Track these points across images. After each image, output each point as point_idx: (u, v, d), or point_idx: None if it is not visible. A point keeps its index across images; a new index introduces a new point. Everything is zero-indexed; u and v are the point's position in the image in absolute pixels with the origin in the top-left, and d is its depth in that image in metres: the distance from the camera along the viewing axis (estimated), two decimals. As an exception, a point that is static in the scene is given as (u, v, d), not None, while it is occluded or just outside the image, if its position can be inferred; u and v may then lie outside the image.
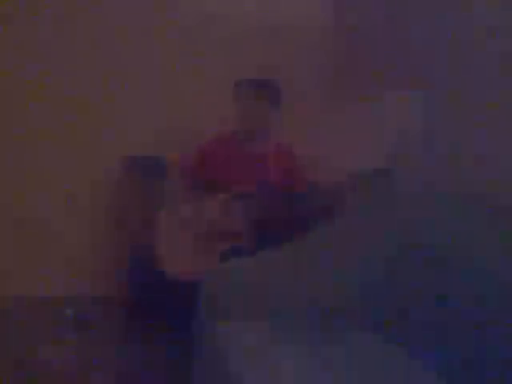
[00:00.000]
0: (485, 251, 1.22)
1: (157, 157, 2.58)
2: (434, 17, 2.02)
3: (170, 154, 2.53)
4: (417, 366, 1.23)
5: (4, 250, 2.62)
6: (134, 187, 2.56)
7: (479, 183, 1.59)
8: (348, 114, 2.54)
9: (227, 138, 2.29)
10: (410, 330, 1.36)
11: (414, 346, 1.28)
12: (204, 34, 2.75)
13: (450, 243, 1.32)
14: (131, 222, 2.54)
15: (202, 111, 2.65)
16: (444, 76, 1.93)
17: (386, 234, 1.60)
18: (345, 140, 2.48)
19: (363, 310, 1.53)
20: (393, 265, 1.50)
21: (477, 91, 1.74)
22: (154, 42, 2.69)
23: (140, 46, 2.68)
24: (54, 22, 2.58)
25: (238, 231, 2.06)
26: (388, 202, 1.71)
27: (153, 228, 2.12)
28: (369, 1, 2.59)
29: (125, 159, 2.61)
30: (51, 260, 2.66)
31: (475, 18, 1.77)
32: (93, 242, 2.72)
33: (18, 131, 2.60)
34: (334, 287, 1.60)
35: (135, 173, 2.56)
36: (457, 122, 1.83)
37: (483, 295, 1.18)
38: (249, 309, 1.53)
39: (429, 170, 1.94)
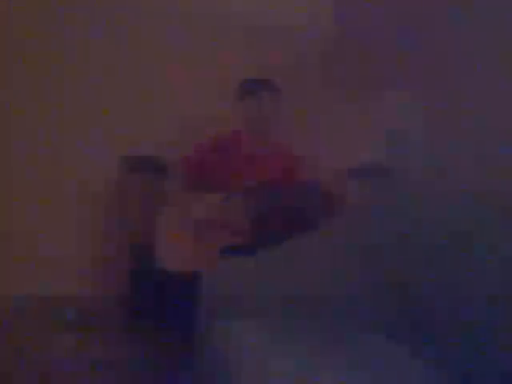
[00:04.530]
0: (489, 251, 1.22)
1: (157, 157, 2.59)
2: (433, 19, 2.02)
3: (170, 154, 2.53)
4: (418, 365, 1.24)
5: (3, 250, 2.62)
6: (134, 187, 2.56)
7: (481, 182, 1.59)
8: (347, 114, 2.55)
9: (227, 137, 2.29)
10: (410, 329, 1.36)
11: (415, 345, 1.28)
12: (204, 34, 2.75)
13: (453, 243, 1.32)
14: (131, 222, 2.54)
15: (202, 111, 2.66)
16: (443, 76, 1.93)
17: (387, 233, 1.60)
18: (344, 139, 2.48)
19: (363, 309, 1.53)
20: (394, 263, 1.50)
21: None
22: (154, 41, 2.69)
23: (140, 46, 2.69)
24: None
25: (238, 230, 2.06)
26: (388, 200, 1.71)
27: (153, 227, 2.12)
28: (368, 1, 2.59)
29: (125, 159, 2.61)
30: (50, 259, 2.66)
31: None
32: (93, 241, 2.72)
33: (17, 130, 2.61)
34: (334, 287, 1.60)
35: (135, 172, 2.56)
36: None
37: (483, 296, 1.18)
38: (249, 308, 1.53)
39: (428, 169, 1.94)
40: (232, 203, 2.11)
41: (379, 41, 2.40)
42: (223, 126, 2.32)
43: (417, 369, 1.21)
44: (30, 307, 2.48)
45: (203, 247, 2.03)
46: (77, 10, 2.61)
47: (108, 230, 2.71)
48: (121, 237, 2.62)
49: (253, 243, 1.99)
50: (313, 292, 1.59)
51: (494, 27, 1.68)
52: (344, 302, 1.55)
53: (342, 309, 1.53)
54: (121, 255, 2.55)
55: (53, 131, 2.63)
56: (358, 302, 1.55)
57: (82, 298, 2.56)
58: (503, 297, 1.14)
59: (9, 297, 2.52)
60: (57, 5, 2.59)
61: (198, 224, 2.08)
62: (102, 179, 2.71)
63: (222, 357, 1.27)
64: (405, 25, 2.20)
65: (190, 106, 2.67)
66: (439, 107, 1.94)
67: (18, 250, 2.64)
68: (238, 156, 2.22)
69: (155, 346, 2.12)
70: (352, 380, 1.12)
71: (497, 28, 1.67)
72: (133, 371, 1.94)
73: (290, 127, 2.45)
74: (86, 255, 2.71)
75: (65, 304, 2.45)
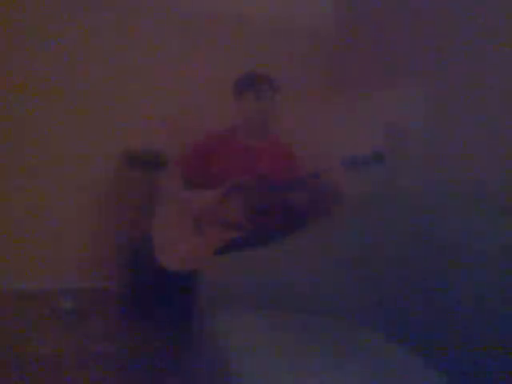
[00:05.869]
0: (486, 250, 1.22)
1: (157, 152, 2.58)
2: (434, 15, 2.02)
3: (170, 152, 2.53)
4: (417, 365, 1.24)
5: (3, 244, 2.62)
6: (134, 183, 2.56)
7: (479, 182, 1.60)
8: (347, 113, 2.54)
9: (226, 133, 2.28)
10: (409, 328, 1.36)
11: (414, 345, 1.29)
12: (204, 34, 2.74)
13: (452, 241, 1.33)
14: (131, 216, 2.54)
15: (202, 111, 2.66)
16: (443, 74, 1.92)
17: (386, 229, 1.60)
18: (344, 138, 2.48)
19: (363, 307, 1.53)
20: (394, 259, 1.51)
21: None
22: (155, 40, 2.69)
23: (142, 44, 2.68)
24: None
25: (236, 223, 2.06)
26: (387, 196, 1.71)
27: (152, 221, 2.11)
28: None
29: (125, 154, 2.61)
30: (50, 253, 2.67)
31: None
32: (92, 235, 2.73)
33: (16, 126, 2.60)
34: (334, 282, 1.60)
35: (136, 168, 2.56)
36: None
37: (483, 295, 1.18)
38: (249, 302, 1.53)
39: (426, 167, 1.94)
40: (231, 199, 2.11)
41: (379, 40, 2.39)
42: (223, 125, 2.32)
43: (417, 369, 1.22)
44: (28, 302, 2.49)
45: (203, 243, 2.03)
46: (77, 8, 2.60)
47: (108, 228, 2.72)
48: (120, 230, 2.62)
49: (252, 238, 1.99)
50: (313, 289, 1.59)
51: (497, 25, 1.67)
52: (344, 299, 1.56)
53: (342, 308, 1.53)
54: (120, 249, 2.56)
55: (53, 130, 2.63)
56: (358, 300, 1.56)
57: (81, 295, 2.57)
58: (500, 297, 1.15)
59: (8, 292, 2.54)
60: (57, 4, 2.58)
61: (197, 220, 2.08)
62: (102, 177, 2.71)
63: (221, 356, 1.27)
64: (405, 24, 2.19)
65: (189, 105, 2.67)
66: (439, 106, 1.94)
67: (18, 247, 2.64)
68: (237, 150, 2.22)
69: (155, 345, 2.13)
70: (351, 380, 1.12)
71: (498, 26, 1.66)
72: (132, 369, 1.95)
73: (290, 127, 2.46)
74: (85, 253, 2.72)
75: (64, 299, 2.46)
